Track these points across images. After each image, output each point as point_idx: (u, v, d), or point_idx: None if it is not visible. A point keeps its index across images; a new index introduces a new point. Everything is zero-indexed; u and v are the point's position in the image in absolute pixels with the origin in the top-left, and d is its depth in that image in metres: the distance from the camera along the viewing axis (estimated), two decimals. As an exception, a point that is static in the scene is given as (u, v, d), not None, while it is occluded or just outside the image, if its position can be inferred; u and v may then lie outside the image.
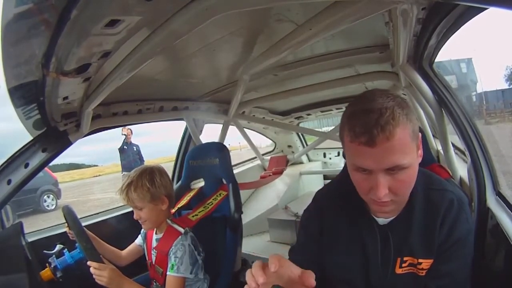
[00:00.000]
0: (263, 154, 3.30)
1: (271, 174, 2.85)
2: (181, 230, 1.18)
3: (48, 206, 7.60)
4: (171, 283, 1.10)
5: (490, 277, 0.90)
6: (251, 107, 2.37)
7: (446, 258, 0.67)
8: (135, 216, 1.15)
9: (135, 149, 5.79)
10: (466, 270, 0.69)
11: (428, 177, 0.73)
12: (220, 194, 1.52)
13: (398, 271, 0.71)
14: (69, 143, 1.22)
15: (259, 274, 0.48)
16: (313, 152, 3.64)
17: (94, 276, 1.01)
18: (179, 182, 1.73)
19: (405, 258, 0.70)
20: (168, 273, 1.11)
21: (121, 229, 1.62)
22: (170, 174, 1.93)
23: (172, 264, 1.11)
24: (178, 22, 0.75)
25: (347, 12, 0.84)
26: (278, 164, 2.98)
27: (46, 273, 1.06)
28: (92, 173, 19.13)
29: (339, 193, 0.79)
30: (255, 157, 3.19)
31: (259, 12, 0.92)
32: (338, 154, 3.50)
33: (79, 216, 1.17)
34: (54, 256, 1.11)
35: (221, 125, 2.26)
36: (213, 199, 1.50)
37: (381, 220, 0.72)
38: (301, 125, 3.27)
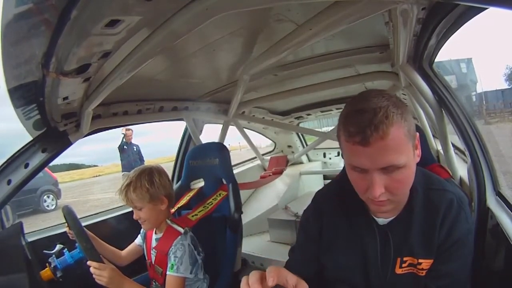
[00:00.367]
0: (263, 154, 3.30)
1: (271, 174, 2.85)
2: (181, 230, 1.18)
3: (48, 206, 7.60)
4: (171, 283, 1.10)
5: (490, 277, 0.90)
6: (251, 107, 2.37)
7: (446, 258, 0.67)
8: (134, 216, 1.15)
9: (135, 149, 5.79)
10: (466, 270, 0.69)
11: (428, 177, 0.73)
12: (220, 194, 1.53)
13: (398, 271, 0.71)
14: (69, 143, 1.22)
15: (256, 287, 0.49)
16: (313, 152, 3.64)
17: (94, 276, 1.01)
18: (179, 182, 1.73)
19: (405, 258, 0.70)
20: (167, 273, 1.11)
21: (121, 229, 1.62)
22: (170, 174, 1.93)
23: (172, 264, 1.11)
24: (178, 22, 0.75)
25: (347, 12, 0.84)
26: (278, 164, 2.98)
27: (46, 273, 1.06)
28: (92, 173, 19.14)
29: (338, 193, 0.79)
30: (255, 157, 3.19)
31: (259, 12, 0.92)
32: (338, 154, 3.50)
33: (79, 216, 1.17)
34: (54, 256, 1.11)
35: (221, 125, 2.26)
36: (213, 199, 1.50)
37: (381, 220, 0.72)
38: (301, 125, 3.27)
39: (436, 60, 1.12)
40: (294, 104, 2.79)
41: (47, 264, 1.08)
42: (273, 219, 2.38)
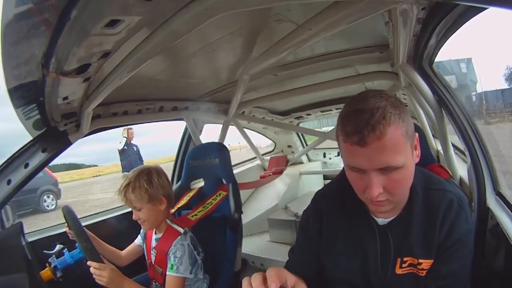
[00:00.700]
0: (263, 154, 3.30)
1: (271, 174, 2.85)
2: (181, 230, 1.18)
3: (48, 206, 7.60)
4: (170, 283, 1.10)
5: (490, 277, 0.90)
6: (251, 107, 2.37)
7: (446, 258, 0.67)
8: (134, 217, 1.15)
9: (135, 149, 5.79)
10: (466, 270, 0.69)
11: (428, 177, 0.73)
12: (220, 194, 1.52)
13: (398, 271, 0.71)
14: (69, 143, 1.22)
15: None
16: (313, 152, 3.64)
17: (94, 276, 1.01)
18: (179, 182, 1.73)
19: (405, 258, 0.70)
20: (167, 273, 1.11)
21: (121, 229, 1.62)
22: (170, 174, 1.93)
23: (172, 264, 1.11)
24: (178, 22, 0.75)
25: (347, 12, 0.84)
26: (278, 164, 2.98)
27: (46, 273, 1.06)
28: (92, 173, 19.13)
29: (338, 193, 0.79)
30: (255, 157, 3.19)
31: (259, 12, 0.92)
32: (338, 154, 3.49)
33: (79, 216, 1.17)
34: (54, 256, 1.11)
35: (221, 125, 2.26)
36: (212, 199, 1.50)
37: (381, 220, 0.72)
38: (301, 125, 3.27)
39: (436, 60, 1.12)
40: (294, 104, 2.79)
41: (47, 264, 1.08)
42: (273, 219, 2.38)
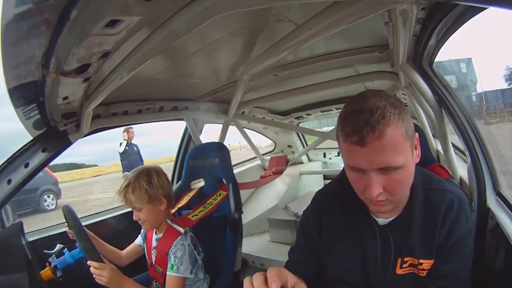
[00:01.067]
0: (263, 154, 3.30)
1: (271, 174, 2.85)
2: (181, 230, 1.18)
3: (48, 206, 7.60)
4: (171, 283, 1.10)
5: (490, 277, 0.90)
6: (251, 107, 2.37)
7: (446, 259, 0.67)
8: (134, 217, 1.15)
9: (135, 149, 5.79)
10: (466, 271, 0.69)
11: (428, 177, 0.73)
12: (220, 194, 1.52)
13: (399, 271, 0.71)
14: (69, 143, 1.22)
15: None
16: (313, 152, 3.64)
17: (94, 275, 1.01)
18: (179, 182, 1.73)
19: (405, 259, 0.70)
20: (168, 273, 1.11)
21: (121, 229, 1.62)
22: (170, 174, 1.93)
23: (172, 264, 1.11)
24: (178, 22, 0.75)
25: (347, 12, 0.84)
26: (278, 164, 2.98)
27: (46, 272, 1.06)
28: (92, 173, 19.14)
29: (338, 193, 0.79)
30: (255, 157, 3.19)
31: (259, 12, 0.92)
32: (338, 154, 3.49)
33: (79, 216, 1.17)
34: (54, 255, 1.11)
35: (221, 125, 2.26)
36: (213, 199, 1.50)
37: (381, 220, 0.72)
38: (301, 125, 3.27)
39: (436, 60, 1.12)
40: (294, 104, 2.79)
41: (47, 264, 1.08)
42: (273, 219, 2.38)
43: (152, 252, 1.22)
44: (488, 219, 0.98)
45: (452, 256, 0.67)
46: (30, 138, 1.12)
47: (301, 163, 3.57)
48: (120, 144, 5.68)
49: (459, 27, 0.87)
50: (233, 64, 1.46)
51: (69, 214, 1.12)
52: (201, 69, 1.47)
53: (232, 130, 2.41)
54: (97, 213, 1.76)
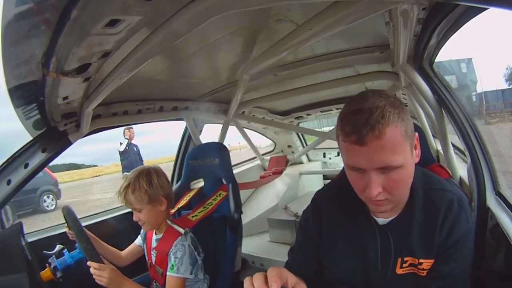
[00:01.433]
0: (263, 154, 3.30)
1: (271, 174, 2.85)
2: (181, 230, 1.18)
3: (48, 206, 7.59)
4: (171, 284, 1.10)
5: (490, 277, 0.90)
6: (251, 107, 2.37)
7: (446, 259, 0.67)
8: (134, 218, 1.15)
9: (135, 149, 5.79)
10: (466, 270, 0.69)
11: (428, 177, 0.73)
12: (220, 194, 1.52)
13: (399, 271, 0.71)
14: (69, 143, 1.22)
15: None
16: (313, 152, 3.64)
17: (94, 276, 1.01)
18: (179, 182, 1.73)
19: (405, 258, 0.70)
20: (168, 273, 1.11)
21: (121, 229, 1.62)
22: (170, 174, 1.93)
23: (172, 265, 1.11)
24: (178, 22, 0.75)
25: (347, 12, 0.84)
26: (278, 164, 2.98)
27: (46, 273, 1.06)
28: (92, 173, 19.12)
29: (338, 193, 0.79)
30: (255, 157, 3.19)
31: (259, 12, 0.92)
32: (338, 154, 3.50)
33: (79, 216, 1.17)
34: (54, 256, 1.11)
35: (221, 125, 2.26)
36: (213, 199, 1.50)
37: (381, 220, 0.72)
38: (301, 125, 3.27)
39: (436, 60, 1.12)
40: (294, 104, 2.79)
41: (47, 264, 1.08)
42: (273, 219, 2.38)
43: (152, 252, 1.22)
44: (488, 219, 0.98)
45: (452, 256, 0.67)
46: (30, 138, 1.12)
47: (301, 163, 3.57)
48: (121, 143, 5.68)
49: (460, 27, 0.87)
50: (233, 64, 1.45)
51: (69, 215, 1.12)
52: (201, 69, 1.47)
53: (232, 130, 2.42)
54: (97, 214, 1.76)
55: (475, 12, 0.76)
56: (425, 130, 1.89)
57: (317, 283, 0.80)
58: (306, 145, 3.45)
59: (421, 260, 0.69)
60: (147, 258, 1.27)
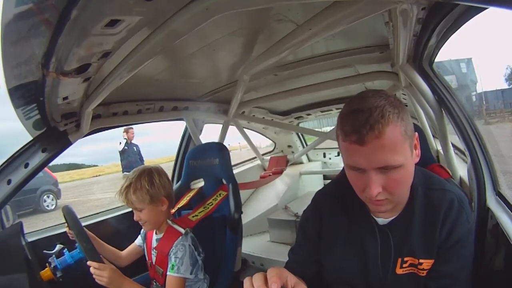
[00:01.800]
0: (263, 154, 3.30)
1: (271, 174, 2.85)
2: (182, 230, 1.18)
3: (48, 206, 7.60)
4: (171, 284, 1.10)
5: (490, 277, 0.90)
6: (251, 107, 2.37)
7: (446, 259, 0.67)
8: (135, 218, 1.15)
9: (135, 149, 5.78)
10: (467, 271, 0.69)
11: (428, 177, 0.73)
12: (220, 194, 1.53)
13: (399, 271, 0.71)
14: (69, 143, 1.22)
15: None
16: (313, 152, 3.64)
17: (94, 276, 1.01)
18: (179, 182, 1.73)
19: (405, 258, 0.70)
20: (168, 273, 1.11)
21: (121, 229, 1.62)
22: (170, 173, 1.93)
23: (172, 265, 1.11)
24: (178, 22, 0.75)
25: (347, 12, 0.84)
26: (278, 164, 2.98)
27: (46, 273, 1.06)
28: (92, 173, 19.13)
29: (338, 193, 0.79)
30: (255, 157, 3.19)
31: (259, 12, 0.92)
32: (338, 154, 3.50)
33: (79, 216, 1.17)
34: (54, 256, 1.11)
35: (221, 125, 2.26)
36: (213, 200, 1.50)
37: (381, 220, 0.72)
38: (301, 125, 3.27)
39: (436, 60, 1.12)
40: (294, 104, 2.79)
41: (47, 264, 1.08)
42: (273, 219, 2.38)
43: (152, 252, 1.22)
44: (488, 219, 0.98)
45: (452, 256, 0.67)
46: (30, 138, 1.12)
47: (301, 163, 3.57)
48: (120, 143, 5.68)
49: (459, 27, 0.87)
50: (233, 64, 1.46)
51: (69, 215, 1.12)
52: (201, 69, 1.47)
53: (232, 130, 2.42)
54: (97, 214, 1.76)
55: (474, 11, 0.76)
56: (425, 130, 1.90)
57: (317, 283, 0.80)
58: (306, 145, 3.45)
59: (421, 260, 0.69)
60: (147, 258, 1.27)
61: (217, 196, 1.52)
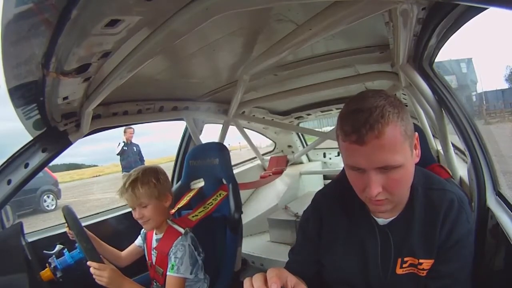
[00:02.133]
0: (263, 154, 3.30)
1: (271, 174, 2.85)
2: (181, 230, 1.18)
3: (48, 206, 7.59)
4: (171, 283, 1.10)
5: (490, 277, 0.90)
6: (251, 107, 2.37)
7: (446, 259, 0.67)
8: (137, 215, 1.14)
9: (135, 149, 5.76)
10: (467, 271, 0.69)
11: (428, 177, 0.73)
12: (220, 194, 1.52)
13: (399, 271, 0.71)
14: (69, 143, 1.22)
15: None
16: (313, 152, 3.64)
17: (94, 276, 1.01)
18: (179, 182, 1.73)
19: (405, 258, 0.70)
20: (168, 273, 1.11)
21: (121, 229, 1.62)
22: (170, 173, 1.93)
23: (172, 265, 1.11)
24: (178, 22, 0.75)
25: (347, 12, 0.84)
26: (278, 164, 2.98)
27: (46, 273, 1.06)
28: (92, 173, 19.14)
29: (338, 193, 0.79)
30: (255, 157, 3.19)
31: (259, 12, 0.92)
32: (338, 154, 3.50)
33: (79, 216, 1.17)
34: (54, 256, 1.11)
35: (221, 125, 2.26)
36: (213, 199, 1.50)
37: (381, 220, 0.72)
38: (301, 125, 3.27)
39: (436, 60, 1.12)
40: (294, 104, 2.79)
41: (47, 264, 1.08)
42: (273, 219, 2.38)
43: (152, 252, 1.22)
44: (488, 219, 0.98)
45: (452, 256, 0.67)
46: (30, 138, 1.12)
47: (301, 163, 3.57)
48: (118, 144, 5.67)
49: (460, 27, 0.87)
50: (233, 64, 1.46)
51: (69, 215, 1.12)
52: (201, 69, 1.47)
53: (232, 130, 2.42)
54: (97, 214, 1.76)
55: (474, 12, 0.76)
56: (425, 130, 1.89)
57: (317, 283, 0.80)
58: (306, 145, 3.45)
59: (421, 260, 0.69)
60: (147, 258, 1.27)
61: (217, 196, 1.52)
